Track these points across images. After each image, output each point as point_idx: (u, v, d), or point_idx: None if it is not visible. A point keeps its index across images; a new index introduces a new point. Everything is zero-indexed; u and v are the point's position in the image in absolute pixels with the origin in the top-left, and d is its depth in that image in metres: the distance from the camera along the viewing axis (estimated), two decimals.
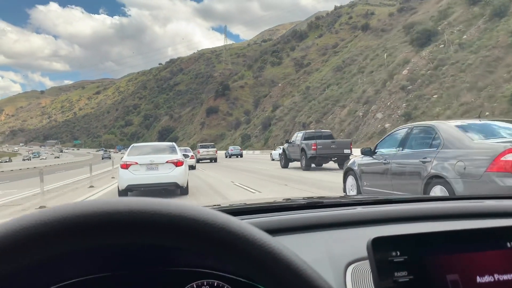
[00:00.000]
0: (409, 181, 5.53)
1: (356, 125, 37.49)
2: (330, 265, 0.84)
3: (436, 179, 4.95)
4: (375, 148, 6.64)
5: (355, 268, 0.83)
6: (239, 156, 39.52)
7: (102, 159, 54.04)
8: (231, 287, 0.85)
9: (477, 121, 5.33)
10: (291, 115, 59.32)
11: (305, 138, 17.48)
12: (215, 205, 1.28)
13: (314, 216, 1.08)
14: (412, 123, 6.33)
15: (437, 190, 4.93)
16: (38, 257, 0.43)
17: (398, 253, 0.69)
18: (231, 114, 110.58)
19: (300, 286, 0.47)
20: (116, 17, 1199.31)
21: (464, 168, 4.55)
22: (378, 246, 0.69)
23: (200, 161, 27.88)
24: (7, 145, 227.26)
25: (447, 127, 5.21)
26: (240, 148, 44.00)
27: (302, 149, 17.13)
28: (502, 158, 4.19)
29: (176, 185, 9.49)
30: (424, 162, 5.22)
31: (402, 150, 5.89)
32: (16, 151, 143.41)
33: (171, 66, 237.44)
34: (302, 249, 0.53)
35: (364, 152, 6.73)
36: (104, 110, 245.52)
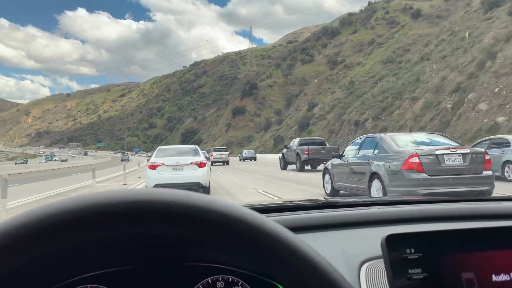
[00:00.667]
0: (360, 177, 7.70)
1: (445, 121, 29.14)
2: (344, 264, 0.84)
3: (375, 175, 7.12)
4: (343, 152, 8.85)
5: (369, 267, 0.84)
6: (252, 160, 39.95)
7: (121, 161, 55.81)
8: (246, 283, 0.86)
9: (408, 134, 7.80)
10: (335, 113, 51.71)
11: (300, 144, 19.66)
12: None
13: (329, 216, 1.09)
14: (365, 135, 8.80)
15: (376, 183, 7.10)
16: (64, 244, 0.44)
17: (413, 251, 0.68)
18: (259, 114, 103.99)
19: (321, 283, 0.47)
20: (142, 22, 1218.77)
21: (389, 167, 6.76)
22: (392, 243, 0.68)
23: (213, 164, 28.54)
24: (27, 147, 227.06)
25: (384, 136, 7.51)
26: (254, 152, 44.33)
27: (297, 154, 19.45)
28: (410, 160, 6.46)
29: (199, 184, 10.22)
30: (368, 163, 7.39)
31: (357, 154, 8.16)
32: (42, 153, 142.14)
33: (195, 68, 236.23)
34: (317, 247, 0.53)
35: (335, 156, 9.14)
36: (128, 113, 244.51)
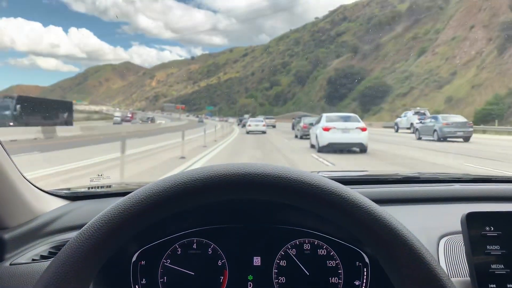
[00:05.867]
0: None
1: None
2: (424, 236, 0.88)
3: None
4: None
5: (447, 241, 0.88)
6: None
7: (198, 122, 60.08)
8: (330, 246, 0.95)
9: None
10: None
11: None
12: (315, 172, 1.39)
13: (412, 191, 1.15)
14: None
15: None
16: (190, 205, 0.59)
17: (492, 228, 0.70)
18: None
19: (403, 250, 0.52)
20: None
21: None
22: (472, 220, 0.70)
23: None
24: (141, 111, 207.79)
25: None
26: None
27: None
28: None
29: (361, 145, 13.06)
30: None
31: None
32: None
33: (331, 15, 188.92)
34: (399, 220, 0.58)
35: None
36: (249, 73, 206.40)
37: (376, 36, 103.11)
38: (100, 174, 1.42)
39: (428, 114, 24.94)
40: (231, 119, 69.06)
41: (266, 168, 0.60)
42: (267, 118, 36.63)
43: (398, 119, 29.66)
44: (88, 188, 1.34)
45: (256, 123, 30.50)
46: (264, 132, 28.72)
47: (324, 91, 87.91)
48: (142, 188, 0.62)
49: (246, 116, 61.48)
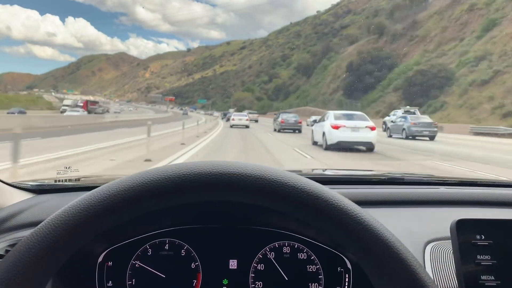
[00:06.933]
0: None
1: None
2: (409, 241, 0.85)
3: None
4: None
5: (434, 247, 0.84)
6: None
7: (182, 115, 61.03)
8: (311, 251, 0.91)
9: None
10: None
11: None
12: (297, 171, 1.34)
13: (396, 192, 1.11)
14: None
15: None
16: (155, 207, 0.54)
17: (483, 237, 0.67)
18: None
19: (390, 259, 0.50)
20: None
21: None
22: (462, 227, 0.68)
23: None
24: (133, 103, 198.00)
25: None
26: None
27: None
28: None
29: (370, 144, 12.88)
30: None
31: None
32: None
33: (335, 8, 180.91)
34: (382, 223, 0.56)
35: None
36: (246, 66, 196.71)
37: (410, 12, 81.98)
38: (68, 167, 1.31)
39: (418, 113, 24.76)
40: (216, 113, 69.50)
41: (246, 168, 0.55)
42: (250, 113, 39.29)
43: (386, 118, 29.85)
44: (55, 181, 1.25)
45: (239, 117, 30.68)
46: (247, 127, 28.71)
47: (340, 82, 73.68)
48: (107, 185, 0.56)
49: (231, 110, 62.41)
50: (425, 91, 45.66)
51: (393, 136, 20.18)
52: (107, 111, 54.93)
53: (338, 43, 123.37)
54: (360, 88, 61.01)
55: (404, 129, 19.38)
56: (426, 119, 20.71)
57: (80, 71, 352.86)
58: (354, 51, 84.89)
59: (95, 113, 41.77)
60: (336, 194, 0.55)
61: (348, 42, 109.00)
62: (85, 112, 38.23)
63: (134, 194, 0.53)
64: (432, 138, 19.18)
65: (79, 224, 0.53)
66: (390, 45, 79.81)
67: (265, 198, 0.55)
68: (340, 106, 53.30)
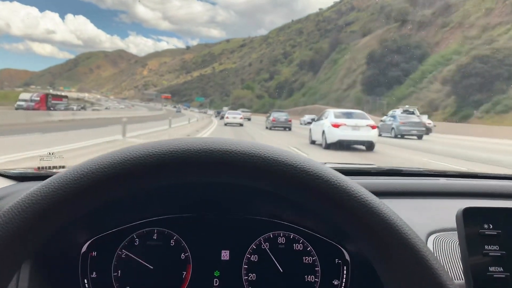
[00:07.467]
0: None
1: None
2: None
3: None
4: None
5: (437, 238, 0.82)
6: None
7: (176, 112, 60.01)
8: (307, 241, 0.87)
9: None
10: None
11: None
12: None
13: (397, 183, 1.08)
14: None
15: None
16: (139, 187, 0.48)
17: (491, 226, 0.64)
18: None
19: (403, 250, 0.47)
20: None
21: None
22: (469, 216, 0.65)
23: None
24: (127, 100, 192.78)
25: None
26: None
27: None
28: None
29: (370, 143, 12.63)
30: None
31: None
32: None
33: (338, 5, 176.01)
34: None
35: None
36: (246, 64, 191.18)
37: None
38: (51, 153, 1.25)
39: (417, 113, 24.38)
40: (209, 111, 68.87)
41: (240, 145, 0.50)
42: (243, 112, 39.72)
43: (384, 117, 29.56)
44: (39, 168, 1.19)
45: (233, 115, 30.90)
46: (241, 125, 29.15)
47: (357, 76, 64.29)
48: (83, 163, 0.51)
49: (225, 108, 61.35)
50: (485, 84, 35.93)
51: (382, 135, 19.99)
52: (82, 108, 49.81)
53: (348, 36, 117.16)
54: (383, 83, 51.94)
55: (393, 128, 20.03)
56: (415, 118, 21.22)
57: (78, 68, 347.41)
58: (373, 41, 77.06)
59: (55, 109, 35.12)
60: (343, 177, 0.51)
61: (360, 34, 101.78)
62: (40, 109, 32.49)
63: (115, 171, 0.48)
64: (420, 137, 19.78)
65: (51, 205, 0.48)
66: (416, 33, 70.54)
67: (260, 178, 0.49)
68: (358, 105, 46.98)
